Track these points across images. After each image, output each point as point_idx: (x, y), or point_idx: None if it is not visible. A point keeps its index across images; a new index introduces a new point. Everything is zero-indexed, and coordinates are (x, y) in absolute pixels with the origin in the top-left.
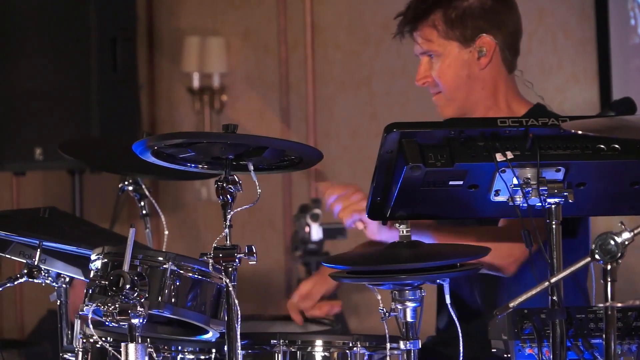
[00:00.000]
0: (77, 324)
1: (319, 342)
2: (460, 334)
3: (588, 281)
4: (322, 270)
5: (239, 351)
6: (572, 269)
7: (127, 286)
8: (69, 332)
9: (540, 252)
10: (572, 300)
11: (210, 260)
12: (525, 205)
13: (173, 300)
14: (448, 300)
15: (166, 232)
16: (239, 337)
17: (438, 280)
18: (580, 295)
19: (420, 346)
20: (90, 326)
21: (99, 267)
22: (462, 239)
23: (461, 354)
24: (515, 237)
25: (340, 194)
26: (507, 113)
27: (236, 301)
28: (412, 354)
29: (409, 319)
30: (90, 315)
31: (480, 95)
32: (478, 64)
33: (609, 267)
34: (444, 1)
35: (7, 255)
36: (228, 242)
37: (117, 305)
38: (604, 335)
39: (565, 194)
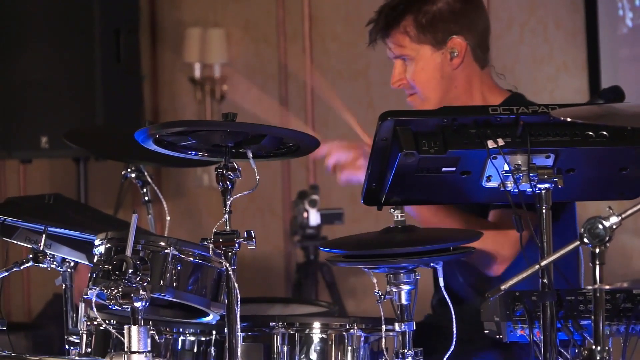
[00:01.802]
0: (82, 307)
1: (316, 324)
2: (453, 316)
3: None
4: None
5: (239, 333)
6: (562, 252)
7: (130, 270)
8: (74, 315)
9: (532, 238)
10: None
11: (211, 245)
12: (516, 190)
13: (174, 284)
14: (442, 283)
15: (168, 218)
16: (238, 319)
17: (432, 264)
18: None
19: (414, 328)
20: (94, 309)
21: (103, 252)
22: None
23: (454, 336)
24: (504, 238)
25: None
26: (483, 104)
27: (236, 285)
28: (407, 336)
29: (403, 301)
30: (94, 299)
31: (455, 93)
32: (451, 64)
33: (597, 250)
34: (413, 7)
35: (13, 241)
36: (228, 227)
37: (120, 289)
38: (593, 317)
39: (555, 179)
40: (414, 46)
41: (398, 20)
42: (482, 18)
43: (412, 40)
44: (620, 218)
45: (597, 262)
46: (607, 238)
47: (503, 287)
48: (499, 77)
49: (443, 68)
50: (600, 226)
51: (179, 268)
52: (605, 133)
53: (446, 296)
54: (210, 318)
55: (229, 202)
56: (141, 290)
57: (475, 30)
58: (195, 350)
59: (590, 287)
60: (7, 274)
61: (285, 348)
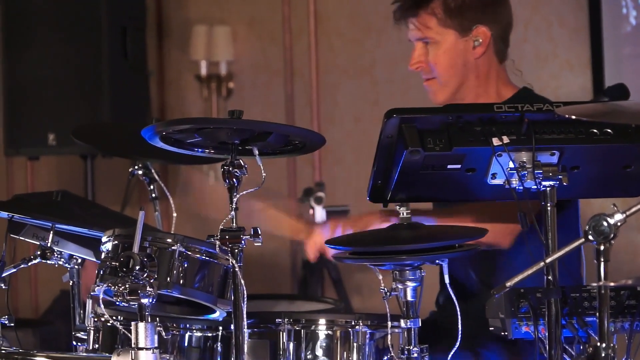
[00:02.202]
0: (89, 303)
1: (322, 321)
2: (459, 313)
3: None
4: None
5: (245, 330)
6: (567, 249)
7: (137, 267)
8: (81, 311)
9: (535, 232)
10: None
11: (217, 242)
12: (521, 188)
13: (181, 280)
14: (447, 280)
15: (175, 215)
16: (245, 316)
17: (437, 261)
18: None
19: (420, 324)
20: (102, 306)
21: (110, 249)
22: (460, 219)
23: (459, 333)
24: (508, 213)
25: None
26: (496, 98)
27: (242, 281)
28: (412, 332)
29: (409, 298)
30: (101, 296)
31: (473, 83)
32: (473, 52)
33: (602, 247)
34: None
35: (21, 238)
36: (234, 224)
37: (127, 286)
38: (597, 314)
39: (559, 177)
40: (440, 29)
41: (427, 1)
42: (506, 12)
43: (439, 23)
44: (624, 215)
45: (602, 259)
46: (612, 235)
47: (508, 284)
48: (515, 73)
49: (465, 55)
50: (605, 223)
51: (185, 265)
52: (609, 131)
53: (452, 293)
54: (217, 315)
55: (235, 199)
56: (148, 287)
57: (500, 23)
58: (201, 347)
59: (594, 284)
60: (14, 270)
61: (291, 344)
